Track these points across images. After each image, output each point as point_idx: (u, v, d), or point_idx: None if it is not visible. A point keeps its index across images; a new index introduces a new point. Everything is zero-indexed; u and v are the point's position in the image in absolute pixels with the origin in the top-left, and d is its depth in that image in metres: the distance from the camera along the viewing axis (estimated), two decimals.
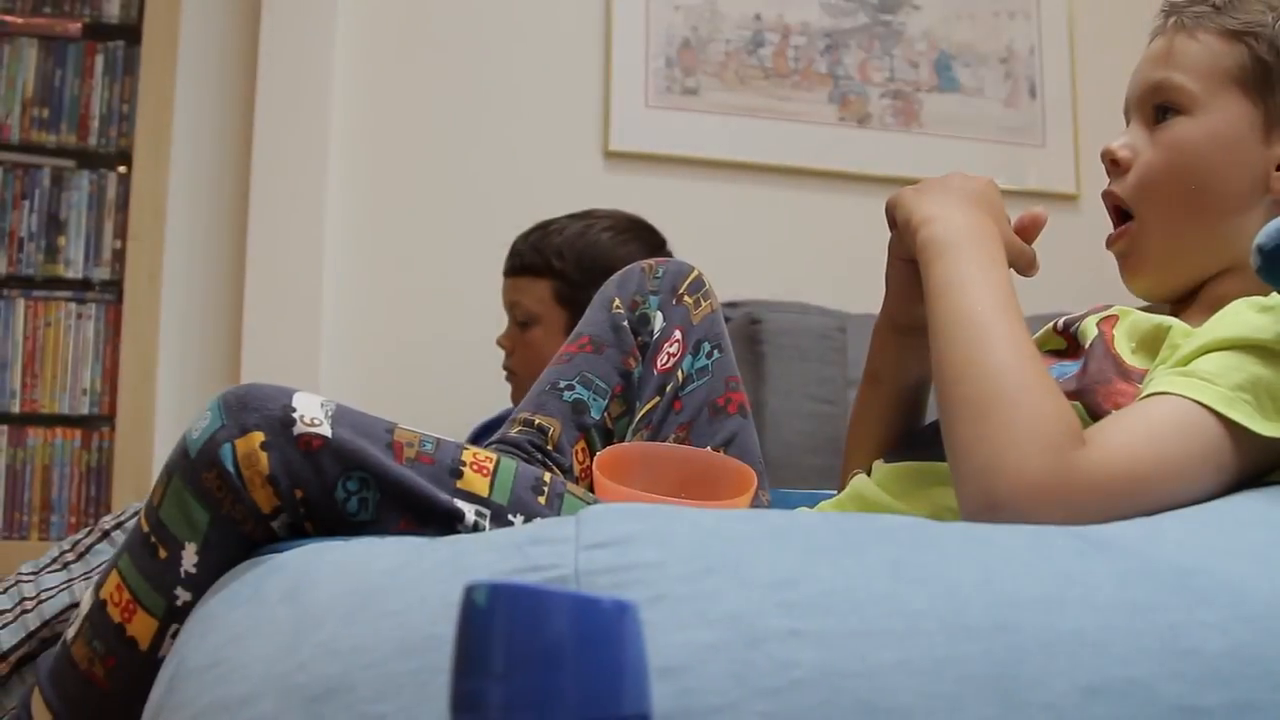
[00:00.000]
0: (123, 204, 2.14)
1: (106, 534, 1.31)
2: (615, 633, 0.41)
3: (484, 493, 0.72)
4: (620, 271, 1.07)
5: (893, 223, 0.87)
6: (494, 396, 2.05)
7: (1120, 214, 0.89)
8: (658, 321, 1.03)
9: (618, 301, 1.04)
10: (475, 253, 2.26)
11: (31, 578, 1.28)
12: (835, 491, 1.00)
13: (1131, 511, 0.63)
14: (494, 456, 0.75)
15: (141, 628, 0.72)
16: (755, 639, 0.50)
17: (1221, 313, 0.73)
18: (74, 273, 2.13)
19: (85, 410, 2.10)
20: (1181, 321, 0.77)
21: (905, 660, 0.49)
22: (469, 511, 0.71)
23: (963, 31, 2.59)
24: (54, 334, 2.11)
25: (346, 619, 0.57)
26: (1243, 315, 0.71)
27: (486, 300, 2.14)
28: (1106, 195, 0.90)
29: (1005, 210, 0.85)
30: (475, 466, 0.73)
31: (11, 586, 1.26)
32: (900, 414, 0.95)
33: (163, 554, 0.72)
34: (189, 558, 0.71)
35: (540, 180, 2.33)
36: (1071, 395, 0.76)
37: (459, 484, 0.72)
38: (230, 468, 0.70)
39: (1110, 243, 0.90)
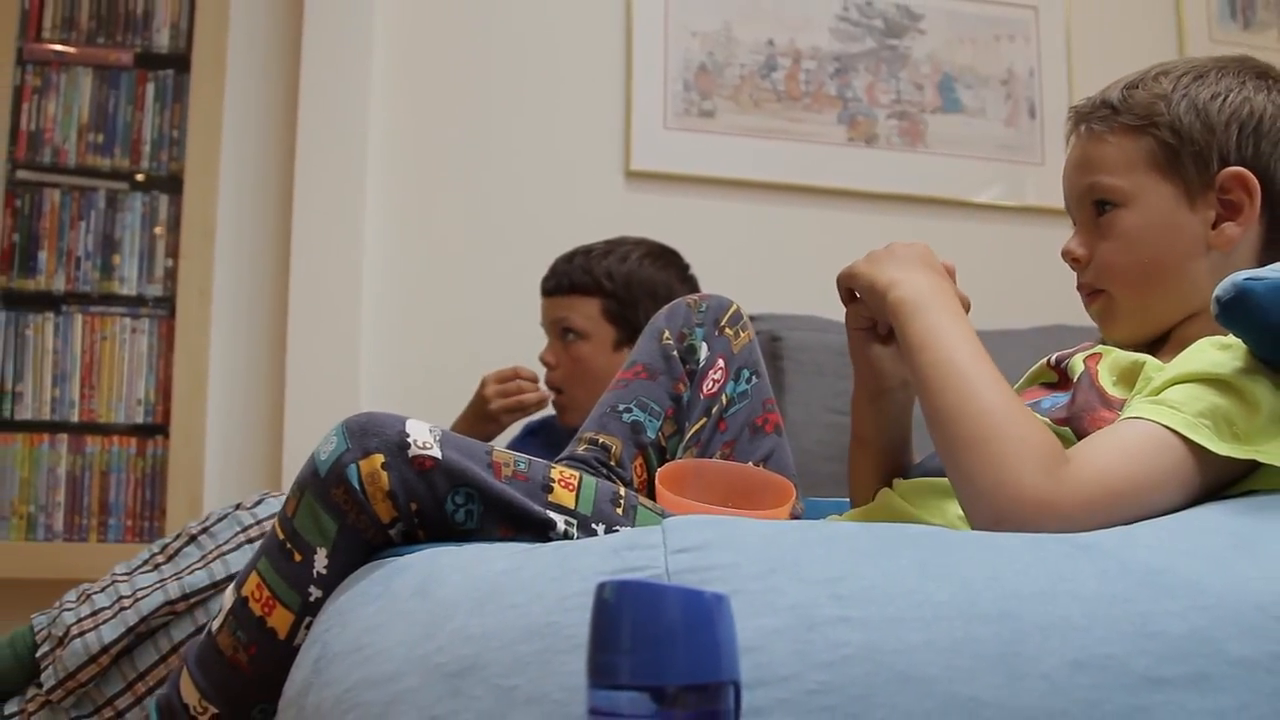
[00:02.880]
0: (174, 224, 2.23)
1: (193, 538, 1.41)
2: (714, 618, 0.54)
3: (571, 505, 0.85)
4: (668, 306, 1.20)
5: (848, 297, 0.99)
6: None
7: (1090, 292, 1.02)
8: (703, 351, 1.16)
9: (667, 333, 1.17)
10: (505, 266, 2.36)
11: (126, 578, 1.38)
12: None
13: (1112, 520, 0.74)
14: (577, 474, 0.87)
15: (280, 620, 0.84)
16: (813, 624, 0.62)
17: (1188, 350, 0.85)
18: (129, 290, 2.21)
19: (140, 419, 2.18)
20: (1154, 358, 0.89)
21: (931, 640, 0.62)
22: (560, 521, 0.83)
23: (965, 55, 2.68)
24: (110, 347, 2.20)
25: (475, 610, 0.69)
26: (1206, 353, 0.83)
27: (515, 313, 2.23)
28: (1079, 287, 1.03)
29: (939, 262, 0.97)
30: (563, 483, 0.86)
31: (109, 586, 1.36)
32: (890, 462, 1.07)
33: (297, 557, 0.84)
34: (320, 560, 0.83)
35: (566, 199, 2.43)
36: (1062, 421, 0.89)
37: (550, 497, 0.84)
38: (356, 485, 0.82)
39: (1087, 307, 1.02)
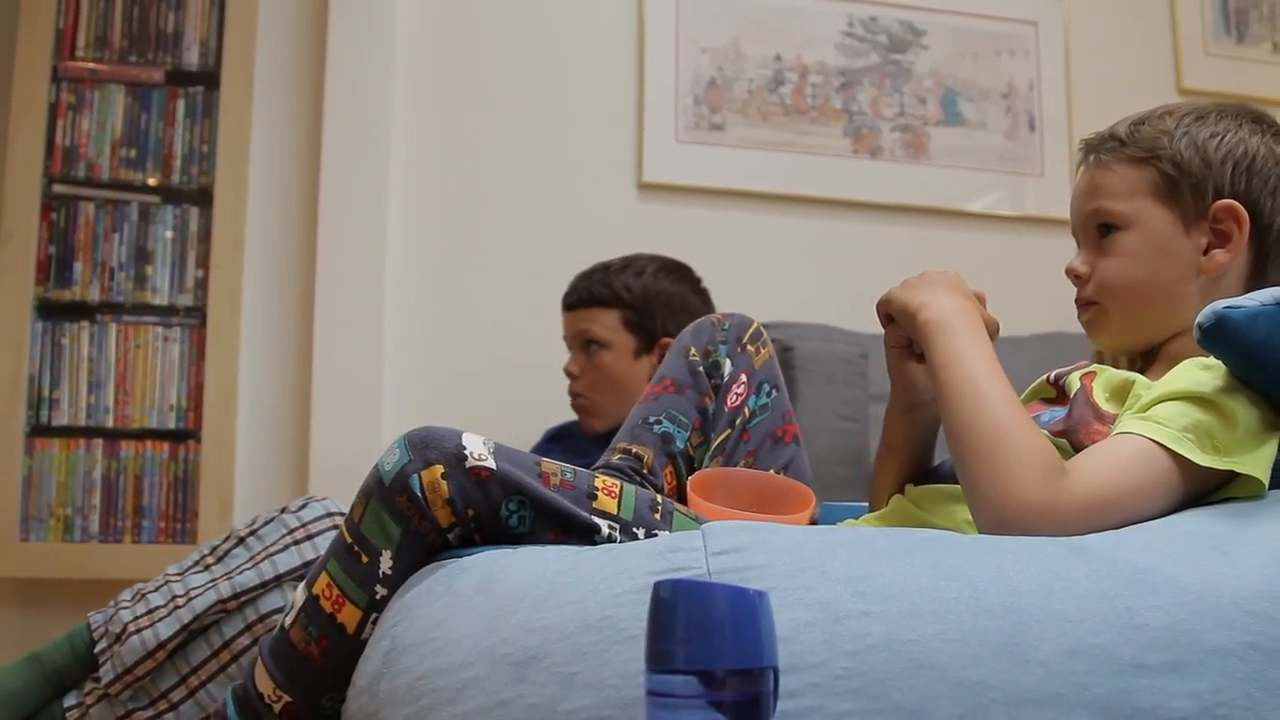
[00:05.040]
0: (204, 236, 2.29)
1: (241, 540, 1.48)
2: (757, 611, 0.62)
3: (614, 511, 0.93)
4: (693, 324, 1.29)
5: (885, 320, 1.07)
6: (540, 410, 2.22)
7: (1086, 304, 1.10)
8: (727, 367, 1.25)
9: (693, 350, 1.25)
10: (524, 274, 2.43)
11: (178, 578, 1.45)
12: (867, 502, 1.21)
13: (1105, 525, 0.82)
14: (618, 483, 0.96)
15: (349, 616, 0.91)
16: (838, 617, 0.71)
17: (1174, 370, 0.93)
18: (161, 300, 2.27)
19: (172, 425, 2.24)
20: (1144, 377, 0.97)
21: (942, 632, 0.70)
22: (604, 526, 0.91)
23: (967, 69, 2.74)
24: (143, 355, 2.26)
25: (535, 606, 0.77)
26: (1190, 373, 0.91)
27: (534, 320, 2.31)
28: (1077, 300, 1.11)
29: (969, 289, 1.05)
30: (606, 491, 0.94)
31: (162, 586, 1.43)
32: (913, 469, 1.15)
33: (364, 559, 0.92)
34: (386, 562, 0.91)
35: (581, 210, 2.50)
36: (1060, 434, 0.97)
37: (595, 504, 0.92)
38: (418, 493, 0.90)
39: (1079, 317, 1.11)
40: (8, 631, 2.23)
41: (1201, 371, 0.91)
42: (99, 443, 2.24)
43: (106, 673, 1.37)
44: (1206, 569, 0.76)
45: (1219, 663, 0.72)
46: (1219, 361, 0.90)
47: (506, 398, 2.37)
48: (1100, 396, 0.99)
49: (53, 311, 2.25)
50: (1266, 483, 0.87)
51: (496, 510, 0.91)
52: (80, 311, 2.26)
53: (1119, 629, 0.72)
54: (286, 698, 0.94)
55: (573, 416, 2.06)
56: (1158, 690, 0.70)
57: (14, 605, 2.25)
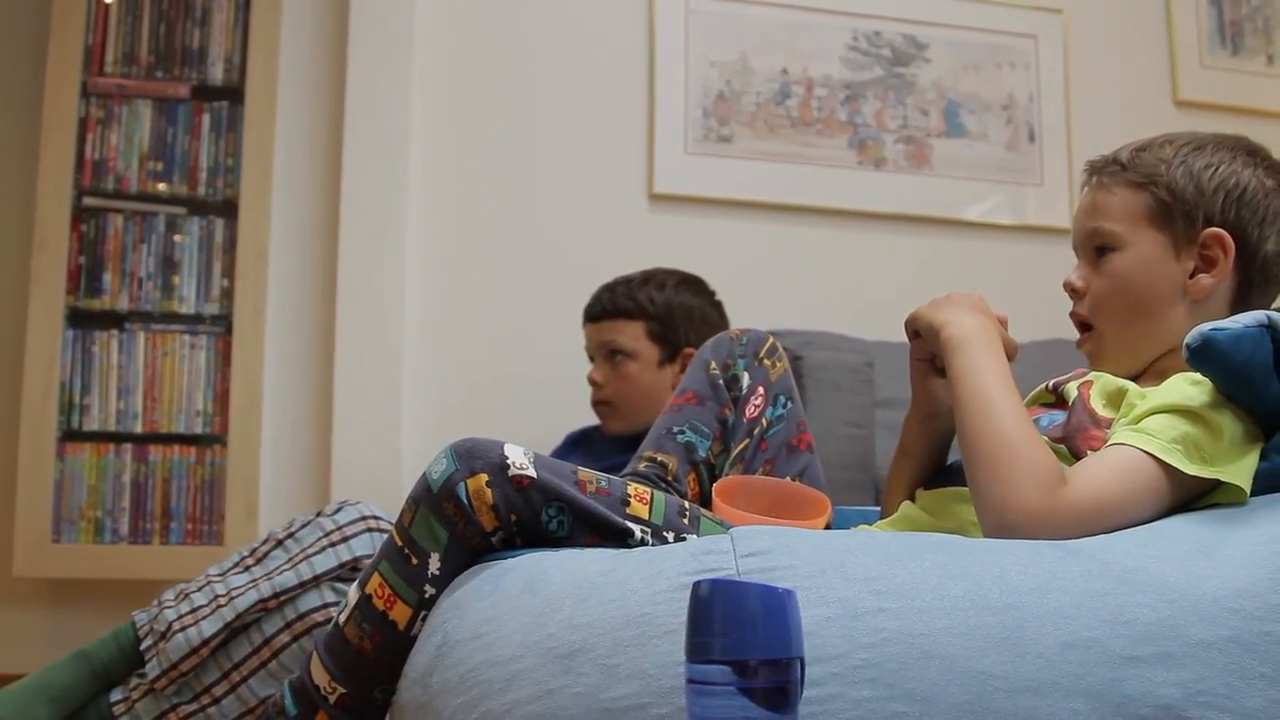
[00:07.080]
0: (229, 247, 2.37)
1: (280, 542, 1.55)
2: (786, 607, 0.69)
3: (646, 516, 1.00)
4: (713, 339, 1.36)
5: (913, 334, 1.15)
6: (555, 415, 2.30)
7: (1083, 325, 1.17)
8: (745, 380, 1.32)
9: (714, 364, 1.33)
10: (539, 283, 2.50)
11: (220, 578, 1.52)
12: (875, 506, 1.28)
13: (1099, 529, 0.89)
14: (649, 490, 1.03)
15: (400, 614, 0.98)
16: (856, 614, 0.78)
17: (1165, 384, 1.00)
18: (187, 308, 2.35)
19: (199, 430, 2.32)
20: (1136, 386, 1.05)
21: (951, 627, 0.77)
22: (637, 530, 0.98)
23: (968, 82, 2.82)
24: (171, 363, 2.34)
25: (579, 603, 0.84)
26: (1179, 387, 0.98)
27: (549, 327, 2.39)
28: (1072, 315, 1.18)
29: (992, 311, 1.13)
30: (638, 497, 1.01)
31: (205, 586, 1.50)
32: (925, 474, 1.22)
33: (414, 561, 0.98)
34: (434, 564, 0.97)
35: (593, 220, 2.58)
36: (1059, 439, 1.04)
37: (628, 510, 0.99)
38: (464, 499, 0.96)
39: (1079, 345, 1.18)
40: (41, 629, 2.30)
41: (1190, 386, 0.97)
42: (128, 447, 2.32)
43: (153, 668, 1.44)
44: (1191, 569, 0.83)
45: (1201, 654, 0.78)
46: (1206, 377, 0.97)
47: (523, 404, 2.45)
48: (1097, 403, 1.06)
49: (83, 320, 2.33)
50: (1248, 490, 0.93)
51: (537, 515, 0.97)
52: (109, 320, 2.34)
53: (1110, 624, 0.78)
54: (341, 689, 1.00)
55: (588, 422, 2.13)
56: (1145, 679, 0.77)
57: (47, 604, 2.32)
